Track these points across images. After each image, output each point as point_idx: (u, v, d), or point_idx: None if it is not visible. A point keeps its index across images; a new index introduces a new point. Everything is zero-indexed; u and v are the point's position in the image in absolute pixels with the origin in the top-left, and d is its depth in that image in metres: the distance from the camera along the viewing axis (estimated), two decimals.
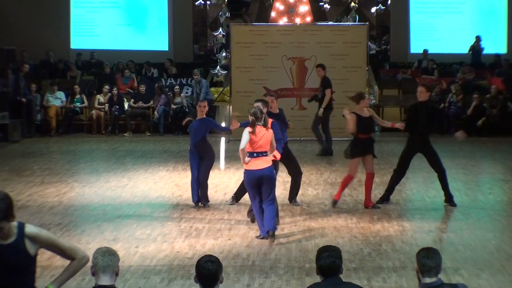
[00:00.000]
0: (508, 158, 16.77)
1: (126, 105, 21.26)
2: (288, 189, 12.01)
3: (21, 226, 4.91)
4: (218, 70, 21.18)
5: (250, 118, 9.61)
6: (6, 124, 19.13)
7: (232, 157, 16.34)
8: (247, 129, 9.55)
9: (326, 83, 16.71)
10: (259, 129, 9.57)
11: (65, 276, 5.00)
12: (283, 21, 22.52)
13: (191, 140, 11.70)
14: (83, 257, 5.03)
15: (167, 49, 25.99)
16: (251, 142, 9.52)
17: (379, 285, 8.03)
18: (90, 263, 4.88)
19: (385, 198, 11.83)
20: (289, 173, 11.78)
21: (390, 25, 27.03)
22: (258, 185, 9.60)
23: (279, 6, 23.01)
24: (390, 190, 11.87)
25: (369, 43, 20.70)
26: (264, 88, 19.38)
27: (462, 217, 11.21)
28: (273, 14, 23.21)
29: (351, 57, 19.56)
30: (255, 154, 9.55)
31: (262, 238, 9.73)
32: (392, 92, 22.75)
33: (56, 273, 8.23)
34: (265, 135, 9.58)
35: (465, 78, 22.10)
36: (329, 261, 5.07)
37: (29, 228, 4.91)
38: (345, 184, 11.63)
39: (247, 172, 9.63)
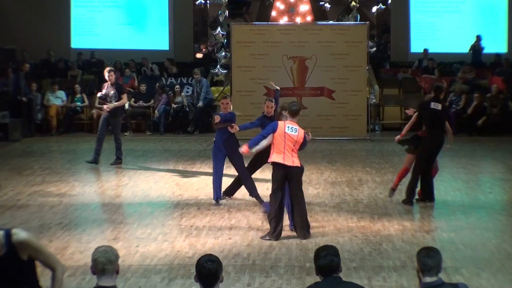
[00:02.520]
0: (508, 157, 16.76)
1: (126, 105, 21.24)
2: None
3: (7, 236, 4.84)
4: (218, 70, 21.17)
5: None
6: (7, 123, 19.14)
7: None
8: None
9: (120, 88, 15.62)
10: None
11: None
12: (284, 20, 22.51)
13: (219, 135, 11.62)
14: (63, 265, 5.07)
15: (167, 48, 26.00)
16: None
17: (380, 285, 8.03)
18: (90, 262, 4.88)
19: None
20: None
21: (390, 24, 27.03)
22: None
23: (279, 5, 23.01)
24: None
25: (370, 42, 20.67)
26: (265, 87, 19.39)
27: (463, 216, 11.21)
28: (273, 13, 23.20)
29: (351, 56, 19.57)
30: None
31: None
32: (393, 91, 22.75)
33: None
34: None
35: (465, 78, 22.10)
36: (327, 260, 5.08)
37: (16, 236, 4.84)
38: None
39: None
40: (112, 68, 15.99)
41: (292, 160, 9.69)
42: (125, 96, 15.67)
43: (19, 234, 4.87)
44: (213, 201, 11.75)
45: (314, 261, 5.15)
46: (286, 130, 9.69)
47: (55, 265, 4.97)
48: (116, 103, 15.32)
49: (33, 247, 4.89)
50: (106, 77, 15.47)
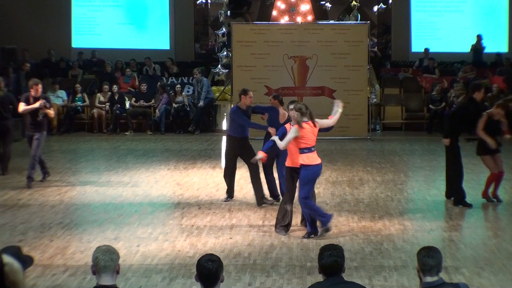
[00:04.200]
0: (509, 157, 16.71)
1: (127, 104, 21.28)
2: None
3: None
4: (219, 69, 21.17)
5: (295, 113, 9.63)
6: None
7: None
8: (296, 127, 9.61)
9: (49, 101, 14.09)
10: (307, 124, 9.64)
11: None
12: (285, 20, 22.53)
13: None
14: None
15: (168, 47, 26.01)
16: (302, 137, 9.60)
17: (381, 284, 8.03)
18: (91, 262, 4.88)
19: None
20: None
21: (391, 24, 27.04)
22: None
23: (280, 5, 23.02)
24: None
25: (371, 41, 20.66)
26: (266, 87, 19.40)
27: (463, 215, 11.20)
28: (274, 13, 23.22)
29: (352, 56, 19.57)
30: (312, 149, 9.79)
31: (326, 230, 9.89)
32: (394, 91, 22.75)
33: (57, 272, 8.26)
34: (313, 130, 9.71)
35: (466, 77, 22.09)
36: (331, 260, 5.08)
37: (9, 267, 4.49)
38: (489, 181, 12.11)
39: (312, 167, 9.76)
40: (37, 80, 14.27)
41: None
42: (52, 109, 14.20)
43: (13, 264, 4.54)
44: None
45: (318, 260, 5.15)
46: None
47: None
48: (49, 110, 13.71)
49: (19, 282, 4.74)
50: (32, 91, 13.77)
